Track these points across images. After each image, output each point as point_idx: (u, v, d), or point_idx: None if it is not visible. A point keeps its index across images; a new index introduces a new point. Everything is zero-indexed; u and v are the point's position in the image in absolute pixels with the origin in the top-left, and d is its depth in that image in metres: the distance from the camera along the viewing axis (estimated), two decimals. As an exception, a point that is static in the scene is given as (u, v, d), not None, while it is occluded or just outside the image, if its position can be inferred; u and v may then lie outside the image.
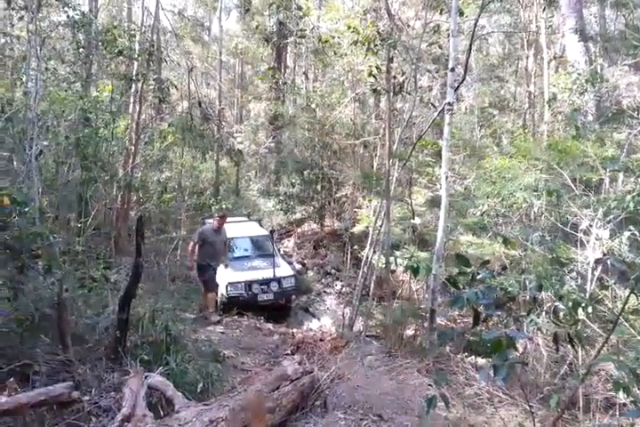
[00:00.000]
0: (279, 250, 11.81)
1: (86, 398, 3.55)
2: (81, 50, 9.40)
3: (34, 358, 3.73)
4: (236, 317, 8.26)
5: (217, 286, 8.40)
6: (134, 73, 10.23)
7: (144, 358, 4.10)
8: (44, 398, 3.13)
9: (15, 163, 6.25)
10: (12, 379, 2.94)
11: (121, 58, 10.09)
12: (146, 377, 3.61)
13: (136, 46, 10.29)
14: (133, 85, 10.82)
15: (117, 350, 4.13)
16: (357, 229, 11.90)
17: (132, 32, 9.93)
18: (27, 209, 3.99)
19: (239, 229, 10.53)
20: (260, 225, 11.49)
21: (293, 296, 10.05)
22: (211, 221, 10.87)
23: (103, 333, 4.46)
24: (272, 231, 10.97)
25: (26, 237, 3.76)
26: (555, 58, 11.21)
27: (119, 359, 4.11)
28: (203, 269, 7.96)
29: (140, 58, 10.14)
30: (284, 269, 9.56)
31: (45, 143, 6.94)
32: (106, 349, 4.25)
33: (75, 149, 7.65)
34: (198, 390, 4.03)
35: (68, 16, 8.32)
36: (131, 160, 10.23)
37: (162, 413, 3.55)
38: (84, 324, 4.54)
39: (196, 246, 7.90)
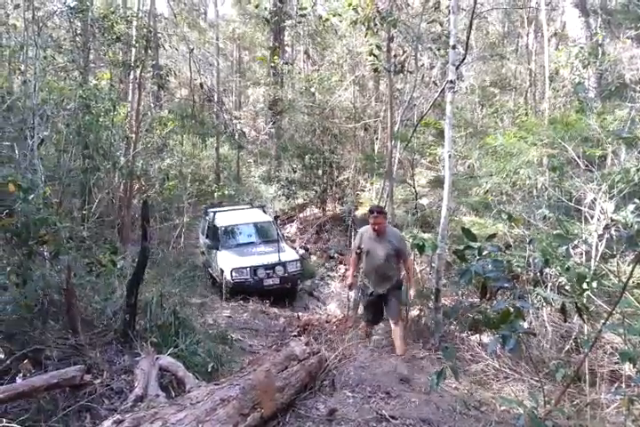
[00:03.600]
0: (283, 235, 11.74)
1: (98, 380, 3.60)
2: (78, 38, 9.32)
3: (45, 343, 3.77)
4: (241, 301, 8.34)
5: (380, 317, 5.51)
6: (132, 60, 10.15)
7: (154, 341, 4.16)
8: (56, 380, 3.18)
9: (17, 152, 6.23)
10: (26, 361, 2.98)
11: (119, 45, 10.01)
12: (156, 359, 3.66)
13: (133, 32, 10.20)
14: (132, 73, 10.75)
15: (127, 333, 4.19)
16: (360, 212, 11.91)
17: (129, 18, 9.83)
18: (31, 196, 3.99)
19: (243, 216, 10.58)
20: (264, 211, 11.54)
21: (299, 280, 10.01)
22: (216, 209, 10.94)
23: (112, 317, 4.51)
24: (276, 217, 10.97)
25: (32, 223, 3.77)
26: (555, 34, 11.07)
27: (129, 343, 4.17)
28: (364, 294, 5.49)
29: (137, 44, 10.05)
30: (288, 254, 9.56)
31: (46, 133, 6.92)
32: (115, 333, 4.30)
33: (76, 138, 7.63)
34: (208, 370, 4.09)
35: (64, 2, 8.22)
36: (132, 148, 10.21)
37: (173, 393, 3.61)
38: (92, 309, 4.60)
39: (356, 258, 5.43)
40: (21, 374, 2.94)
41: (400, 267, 5.26)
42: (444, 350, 2.94)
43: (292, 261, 9.38)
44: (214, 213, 10.57)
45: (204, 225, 11.09)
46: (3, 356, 2.72)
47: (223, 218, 10.37)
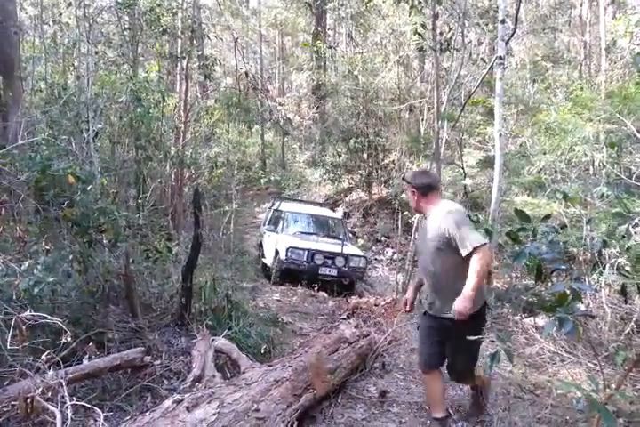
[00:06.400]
0: (349, 235, 10.76)
1: (157, 362, 3.76)
2: (126, 32, 9.57)
3: (107, 326, 3.95)
4: (290, 285, 8.44)
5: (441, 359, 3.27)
6: (179, 51, 10.36)
7: (208, 324, 4.30)
8: (118, 362, 3.35)
9: (74, 145, 6.50)
10: (91, 344, 3.15)
11: (165, 37, 10.22)
12: (212, 341, 3.79)
13: (179, 24, 10.38)
14: (179, 64, 10.98)
15: (183, 316, 4.35)
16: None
17: (174, 10, 9.99)
18: (90, 187, 4.16)
19: (310, 208, 10.64)
20: (333, 210, 11.65)
21: (358, 280, 9.03)
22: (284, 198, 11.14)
23: (169, 301, 4.69)
24: (346, 213, 10.75)
25: (92, 213, 3.95)
26: (612, 2, 10.41)
27: (185, 325, 4.33)
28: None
29: (183, 35, 10.23)
30: (352, 249, 9.10)
31: (100, 126, 7.18)
32: (172, 316, 4.47)
33: (128, 130, 7.88)
34: (261, 352, 4.20)
35: (112, -4, 8.45)
36: (181, 138, 10.46)
37: (229, 374, 3.74)
38: (150, 293, 4.78)
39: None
40: (87, 356, 3.11)
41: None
42: (498, 332, 2.90)
43: (356, 255, 8.76)
44: (282, 200, 10.74)
45: (268, 214, 11.11)
46: (69, 339, 2.88)
47: (290, 206, 10.45)
